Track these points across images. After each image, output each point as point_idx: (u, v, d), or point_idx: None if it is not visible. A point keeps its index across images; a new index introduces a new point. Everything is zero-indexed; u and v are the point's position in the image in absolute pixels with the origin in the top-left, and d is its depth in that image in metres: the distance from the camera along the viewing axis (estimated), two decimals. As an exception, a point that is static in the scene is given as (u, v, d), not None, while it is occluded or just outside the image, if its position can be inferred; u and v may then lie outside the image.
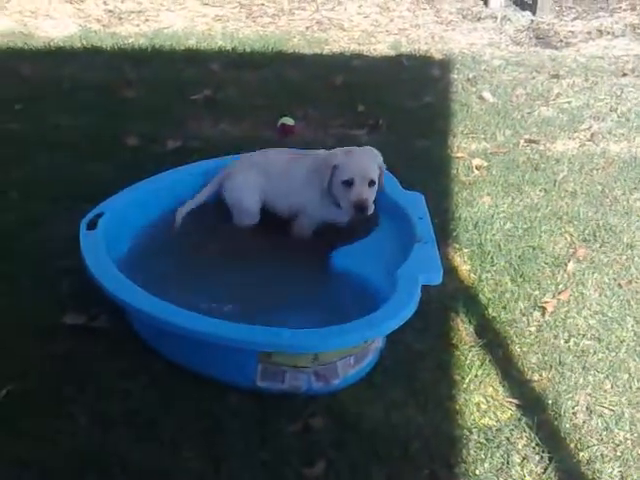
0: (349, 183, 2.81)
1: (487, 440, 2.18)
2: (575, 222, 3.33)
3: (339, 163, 2.83)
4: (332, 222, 3.00)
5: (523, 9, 6.58)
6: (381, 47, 5.81)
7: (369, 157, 2.89)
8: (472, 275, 2.95)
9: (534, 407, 2.31)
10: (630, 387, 2.40)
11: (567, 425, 2.25)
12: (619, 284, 2.90)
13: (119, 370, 2.40)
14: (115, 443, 2.14)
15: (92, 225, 2.73)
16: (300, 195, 2.99)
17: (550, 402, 2.33)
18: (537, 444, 2.17)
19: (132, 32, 6.05)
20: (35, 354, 2.48)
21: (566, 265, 3.01)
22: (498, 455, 2.14)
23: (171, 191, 3.12)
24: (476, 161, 3.87)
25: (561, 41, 6.00)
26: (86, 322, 2.60)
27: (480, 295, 2.83)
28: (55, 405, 2.28)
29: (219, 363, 2.33)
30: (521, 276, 2.93)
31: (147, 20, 6.40)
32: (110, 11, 6.56)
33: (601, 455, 2.15)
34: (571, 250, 3.12)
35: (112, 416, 2.24)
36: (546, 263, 3.03)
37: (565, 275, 2.95)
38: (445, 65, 5.37)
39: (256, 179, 3.04)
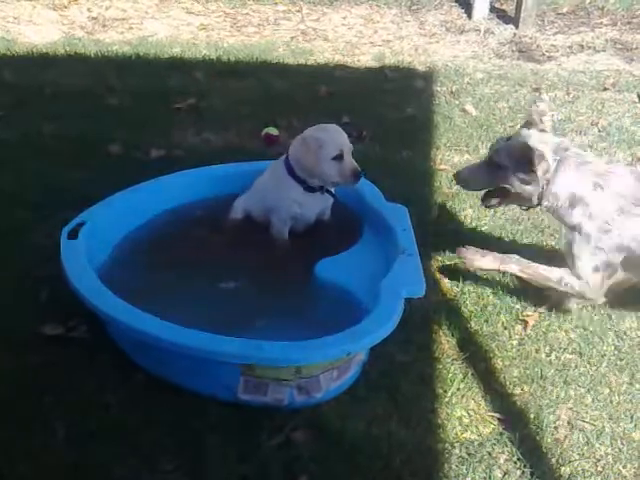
0: (339, 157, 2.87)
1: (469, 455, 2.18)
2: (556, 235, 3.34)
3: (323, 141, 2.87)
4: (300, 217, 3.01)
5: (506, 22, 6.63)
6: (365, 58, 5.83)
7: (339, 129, 2.97)
8: (454, 288, 2.95)
9: (516, 421, 2.31)
10: (611, 401, 2.41)
11: (549, 440, 2.25)
12: (600, 298, 2.92)
13: (98, 382, 2.38)
14: (94, 456, 2.12)
15: (73, 234, 2.70)
16: (266, 195, 3.04)
17: (532, 416, 2.33)
18: (519, 459, 2.17)
19: (116, 40, 6.02)
20: (13, 365, 2.44)
21: (548, 279, 3.02)
22: (480, 470, 2.13)
23: (154, 200, 3.10)
24: (459, 174, 3.87)
25: (543, 55, 6.06)
26: (65, 332, 2.57)
27: (462, 308, 2.84)
28: (34, 417, 2.25)
29: (200, 375, 2.31)
30: (503, 289, 2.94)
31: (131, 28, 6.37)
32: (94, 18, 6.53)
33: (582, 470, 2.15)
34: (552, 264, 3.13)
35: (91, 429, 2.21)
36: (528, 276, 3.04)
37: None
38: (428, 77, 5.39)
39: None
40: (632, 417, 2.35)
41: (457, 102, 4.91)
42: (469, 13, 6.81)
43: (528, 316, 2.78)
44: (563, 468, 2.16)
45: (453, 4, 7.10)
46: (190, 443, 2.17)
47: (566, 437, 2.27)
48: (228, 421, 2.24)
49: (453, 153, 4.16)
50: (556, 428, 2.30)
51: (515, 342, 2.67)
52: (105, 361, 2.46)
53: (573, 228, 2.62)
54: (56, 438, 2.17)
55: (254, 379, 2.24)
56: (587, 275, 2.61)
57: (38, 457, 2.11)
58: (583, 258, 2.60)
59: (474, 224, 3.40)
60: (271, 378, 2.25)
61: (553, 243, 3.28)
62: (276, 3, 7.00)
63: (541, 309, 2.83)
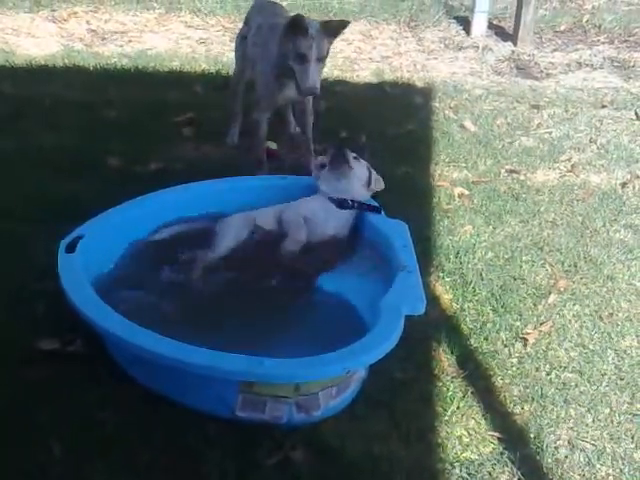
0: None
1: (469, 475, 2.16)
2: (556, 253, 3.34)
3: None
4: (315, 228, 3.02)
5: (504, 40, 6.66)
6: (364, 74, 5.84)
7: None
8: (454, 305, 2.94)
9: (516, 441, 2.29)
10: (612, 421, 2.39)
11: (549, 460, 2.23)
12: (600, 316, 2.90)
13: (95, 398, 2.34)
14: (90, 474, 2.08)
15: (71, 247, 2.68)
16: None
17: (532, 436, 2.31)
18: (519, 479, 2.15)
19: (115, 52, 6.03)
20: (7, 380, 2.42)
21: (547, 296, 3.01)
22: (480, 490, 2.11)
23: (153, 214, 3.09)
24: (458, 190, 3.87)
25: (541, 72, 6.08)
26: (61, 347, 2.54)
27: (462, 325, 2.82)
28: (28, 434, 2.22)
29: (198, 392, 2.28)
30: (503, 306, 2.93)
31: (130, 41, 6.38)
32: (93, 31, 6.54)
33: (583, 491, 2.14)
34: (552, 281, 3.12)
35: (87, 446, 2.18)
36: (527, 294, 3.03)
37: (546, 306, 2.95)
38: (427, 93, 5.40)
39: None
40: (633, 437, 2.33)
41: (456, 118, 4.91)
42: (467, 30, 6.84)
43: (528, 334, 2.77)
44: (564, 489, 2.14)
45: (451, 21, 7.13)
46: (188, 460, 2.14)
47: (567, 457, 2.24)
48: (227, 438, 2.21)
49: (452, 169, 4.16)
50: (557, 448, 2.28)
51: (515, 360, 2.65)
52: (102, 376, 2.43)
53: None
54: (52, 455, 2.14)
55: (252, 396, 2.22)
56: None
57: (34, 476, 2.08)
58: None
59: (473, 240, 3.39)
60: (270, 395, 2.23)
61: (552, 260, 3.27)
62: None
63: (541, 327, 2.82)
